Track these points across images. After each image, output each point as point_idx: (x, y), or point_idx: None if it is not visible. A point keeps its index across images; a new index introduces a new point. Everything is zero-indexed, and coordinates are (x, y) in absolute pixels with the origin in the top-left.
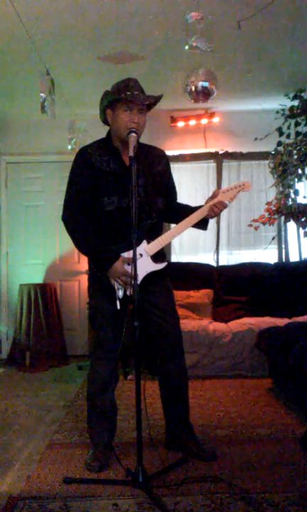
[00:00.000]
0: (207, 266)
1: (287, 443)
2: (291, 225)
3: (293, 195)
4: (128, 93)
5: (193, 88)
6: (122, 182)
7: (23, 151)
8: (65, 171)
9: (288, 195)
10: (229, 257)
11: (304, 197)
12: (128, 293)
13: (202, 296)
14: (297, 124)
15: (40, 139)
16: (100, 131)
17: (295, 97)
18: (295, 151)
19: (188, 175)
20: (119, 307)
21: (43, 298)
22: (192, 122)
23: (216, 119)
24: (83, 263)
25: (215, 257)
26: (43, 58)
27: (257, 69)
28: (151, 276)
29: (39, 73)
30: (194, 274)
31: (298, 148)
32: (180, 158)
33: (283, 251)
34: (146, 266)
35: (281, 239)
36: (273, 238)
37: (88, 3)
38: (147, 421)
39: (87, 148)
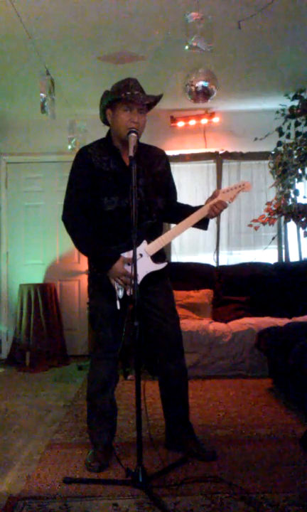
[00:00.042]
0: (207, 266)
1: (287, 443)
2: (291, 225)
3: (293, 195)
4: (128, 93)
5: (193, 88)
6: (122, 182)
7: (23, 151)
8: (65, 171)
9: (288, 195)
10: (229, 257)
11: (304, 197)
12: (128, 293)
13: (202, 296)
14: (297, 124)
15: (40, 139)
16: (100, 131)
17: (295, 97)
18: (295, 151)
19: (188, 175)
20: (119, 307)
21: (43, 298)
22: (192, 122)
23: (216, 119)
24: (83, 263)
25: (215, 257)
26: (43, 58)
27: (257, 69)
28: (151, 276)
29: (39, 73)
30: (194, 274)
31: (298, 148)
32: (180, 158)
33: (283, 251)
34: (146, 266)
35: (281, 239)
36: (273, 238)
37: (88, 3)
38: (147, 421)
39: (87, 148)
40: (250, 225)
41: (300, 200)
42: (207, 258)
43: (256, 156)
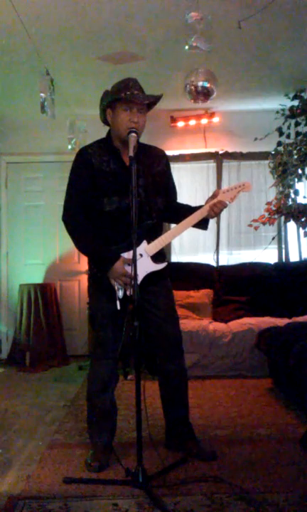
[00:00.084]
0: (207, 266)
1: (287, 443)
2: (291, 225)
3: (293, 195)
4: (128, 93)
5: (193, 88)
6: (122, 182)
7: (23, 151)
8: (65, 171)
9: (288, 195)
10: (229, 257)
11: (304, 197)
12: (128, 293)
13: (202, 296)
14: (297, 124)
15: (40, 139)
16: (100, 131)
17: (295, 97)
18: (295, 151)
19: (188, 175)
20: (119, 307)
21: (43, 298)
22: (192, 122)
23: (216, 119)
24: (83, 263)
25: (215, 257)
26: (43, 58)
27: (257, 69)
28: (151, 276)
29: (39, 73)
30: (194, 274)
31: (298, 148)
32: (180, 158)
33: (283, 251)
34: (146, 266)
35: (281, 239)
36: (273, 238)
37: (88, 3)
38: (147, 421)
39: (87, 148)
40: (250, 225)
41: (300, 200)
42: (207, 258)
43: (256, 156)
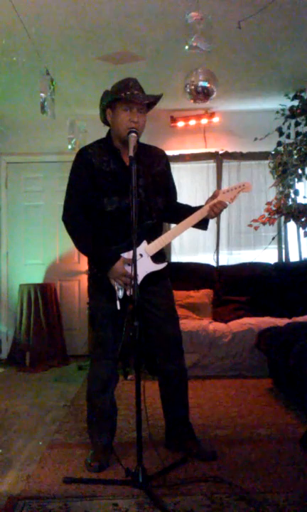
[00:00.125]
0: (207, 266)
1: (287, 443)
2: (291, 225)
3: (293, 195)
4: (128, 93)
5: (193, 88)
6: (122, 182)
7: (23, 151)
8: (65, 171)
9: (288, 195)
10: (229, 257)
11: (304, 197)
12: (128, 293)
13: (202, 296)
14: (297, 124)
15: (40, 139)
16: (100, 131)
17: (295, 97)
18: (295, 151)
19: (188, 175)
20: (119, 307)
21: (43, 298)
22: (192, 122)
23: (216, 119)
24: (83, 263)
25: (215, 257)
26: (43, 58)
27: (257, 69)
28: (151, 276)
29: (39, 73)
30: (194, 274)
31: (298, 148)
32: (180, 158)
33: (283, 251)
34: (146, 266)
35: (281, 239)
36: (273, 238)
37: (88, 3)
38: (147, 421)
39: (87, 148)
40: (250, 225)
41: (300, 200)
42: (207, 258)
43: (256, 156)
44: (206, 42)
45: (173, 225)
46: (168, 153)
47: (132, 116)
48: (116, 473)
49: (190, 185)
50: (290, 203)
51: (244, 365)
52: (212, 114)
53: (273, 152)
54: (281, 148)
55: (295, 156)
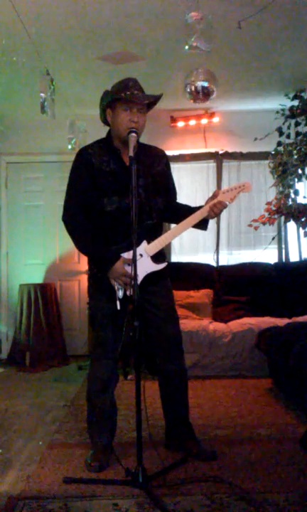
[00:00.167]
0: (207, 266)
1: (287, 443)
2: (291, 225)
3: (293, 195)
4: (128, 93)
5: (193, 88)
6: (122, 182)
7: (23, 151)
8: (65, 171)
9: (288, 195)
10: (229, 257)
11: (304, 197)
12: (128, 293)
13: (202, 296)
14: (297, 124)
15: (40, 139)
16: (100, 131)
17: (295, 97)
18: (295, 151)
19: (188, 175)
20: (119, 307)
21: (43, 298)
22: (192, 122)
23: (216, 119)
24: (83, 263)
25: (215, 257)
26: (43, 58)
27: (257, 69)
28: (151, 276)
29: (39, 73)
30: (194, 274)
31: (298, 148)
32: (180, 158)
33: (283, 251)
34: (146, 266)
35: (281, 239)
36: (273, 238)
37: (88, 3)
38: (147, 421)
39: (87, 148)
40: (250, 225)
41: (300, 200)
42: (207, 258)
43: (256, 156)
44: (206, 42)
45: (173, 225)
46: (168, 153)
47: (132, 116)
48: (116, 473)
49: (190, 185)
50: (290, 203)
51: (244, 365)
52: (212, 114)
53: (273, 152)
54: (281, 148)
55: (295, 156)
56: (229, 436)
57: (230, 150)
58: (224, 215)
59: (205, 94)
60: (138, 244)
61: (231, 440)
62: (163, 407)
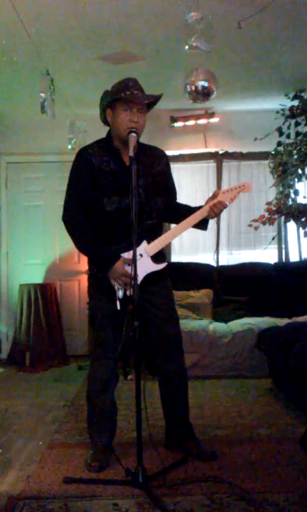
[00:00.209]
0: (207, 266)
1: (287, 443)
2: (291, 225)
3: (293, 195)
4: (128, 93)
5: (193, 88)
6: (122, 182)
7: (23, 151)
8: (65, 171)
9: (288, 195)
10: (229, 257)
11: (304, 197)
12: (128, 293)
13: (202, 296)
14: (297, 124)
15: (40, 139)
16: (100, 131)
17: (295, 97)
18: (295, 151)
19: (188, 175)
20: (119, 307)
21: (43, 298)
22: (192, 122)
23: (216, 119)
24: (83, 263)
25: (215, 257)
26: (43, 58)
27: (257, 69)
28: (151, 276)
29: (39, 73)
30: (194, 274)
31: (298, 148)
32: (180, 159)
33: (283, 251)
34: (146, 266)
35: (281, 239)
36: (273, 238)
37: (88, 3)
38: (147, 421)
39: (87, 148)
40: (250, 225)
41: (300, 200)
42: (207, 258)
43: (256, 156)
44: (206, 42)
45: (173, 225)
46: (168, 153)
47: (132, 116)
48: (116, 473)
49: (190, 185)
50: (290, 203)
51: (244, 365)
52: (212, 114)
53: (273, 152)
54: (281, 148)
55: (295, 156)
56: (229, 436)
57: (230, 150)
58: (224, 215)
59: (205, 94)
60: (138, 244)
61: (231, 440)
62: (163, 407)
